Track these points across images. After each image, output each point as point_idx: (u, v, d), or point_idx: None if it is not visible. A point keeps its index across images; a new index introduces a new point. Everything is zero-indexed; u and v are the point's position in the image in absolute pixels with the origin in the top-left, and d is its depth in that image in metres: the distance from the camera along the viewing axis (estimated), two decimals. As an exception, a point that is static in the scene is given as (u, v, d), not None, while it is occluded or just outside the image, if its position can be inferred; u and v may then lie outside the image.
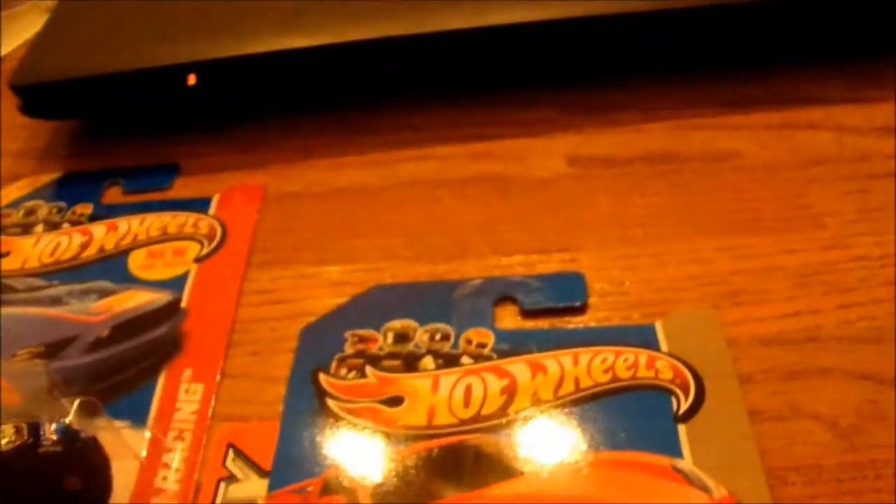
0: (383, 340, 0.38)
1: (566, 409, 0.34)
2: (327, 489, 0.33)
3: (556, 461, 0.33)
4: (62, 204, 0.48)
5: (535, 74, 0.51)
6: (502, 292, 0.40)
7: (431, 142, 0.49)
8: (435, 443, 0.34)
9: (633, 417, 0.34)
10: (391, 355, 0.37)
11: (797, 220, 0.42)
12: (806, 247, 0.41)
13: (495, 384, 0.35)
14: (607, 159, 0.47)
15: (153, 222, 0.46)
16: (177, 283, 0.42)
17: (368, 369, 0.37)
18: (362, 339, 0.38)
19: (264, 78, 0.49)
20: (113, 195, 0.49)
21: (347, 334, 0.38)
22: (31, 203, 0.48)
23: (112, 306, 0.42)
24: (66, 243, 0.45)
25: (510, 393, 0.35)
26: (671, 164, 0.46)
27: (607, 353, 0.36)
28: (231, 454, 0.35)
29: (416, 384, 0.36)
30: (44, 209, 0.48)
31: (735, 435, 0.33)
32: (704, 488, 0.31)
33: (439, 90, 0.51)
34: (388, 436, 0.34)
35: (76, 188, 0.49)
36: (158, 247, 0.44)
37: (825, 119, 0.48)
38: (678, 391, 0.35)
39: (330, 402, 0.36)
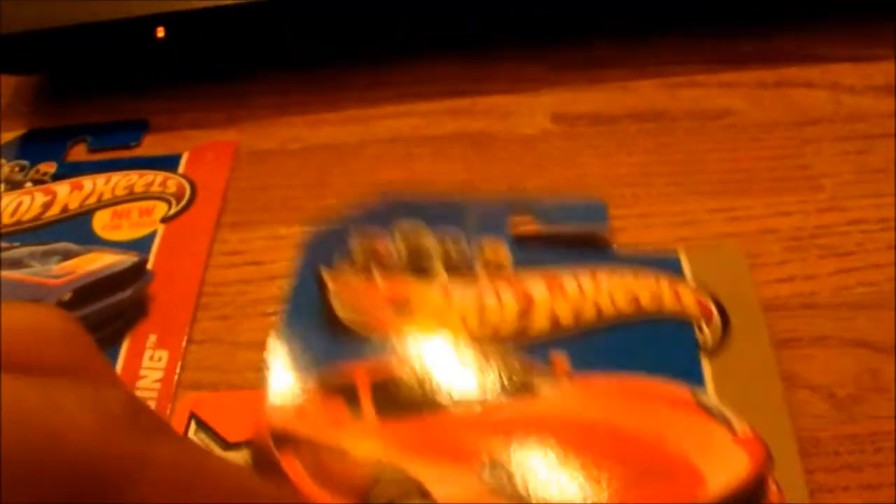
0: (393, 245, 0.36)
1: (586, 333, 0.33)
2: (328, 391, 0.31)
3: (574, 384, 0.32)
4: (24, 163, 0.46)
5: (519, 30, 0.49)
6: (519, 212, 0.38)
7: (411, 98, 0.47)
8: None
9: (655, 346, 0.33)
10: (401, 260, 0.36)
11: (792, 181, 0.41)
12: (801, 209, 0.39)
13: (510, 297, 0.34)
14: (593, 116, 0.45)
15: (119, 181, 0.44)
16: (143, 245, 0.40)
17: (377, 273, 0.35)
18: (371, 244, 0.36)
19: (235, 31, 0.47)
20: (78, 153, 0.47)
21: (356, 238, 0.37)
22: (-9, 162, 0.46)
23: (75, 268, 0.40)
24: (27, 203, 0.43)
25: (526, 308, 0.34)
26: (660, 121, 0.44)
27: (628, 278, 0.35)
28: (193, 426, 0.33)
29: (426, 291, 0.35)
30: (5, 168, 0.45)
31: (760, 370, 0.32)
32: (727, 424, 0.30)
33: (419, 46, 0.49)
34: (394, 340, 0.33)
35: (39, 146, 0.47)
36: (124, 206, 0.42)
37: (821, 77, 0.46)
38: (702, 322, 0.33)
39: (335, 304, 0.34)
